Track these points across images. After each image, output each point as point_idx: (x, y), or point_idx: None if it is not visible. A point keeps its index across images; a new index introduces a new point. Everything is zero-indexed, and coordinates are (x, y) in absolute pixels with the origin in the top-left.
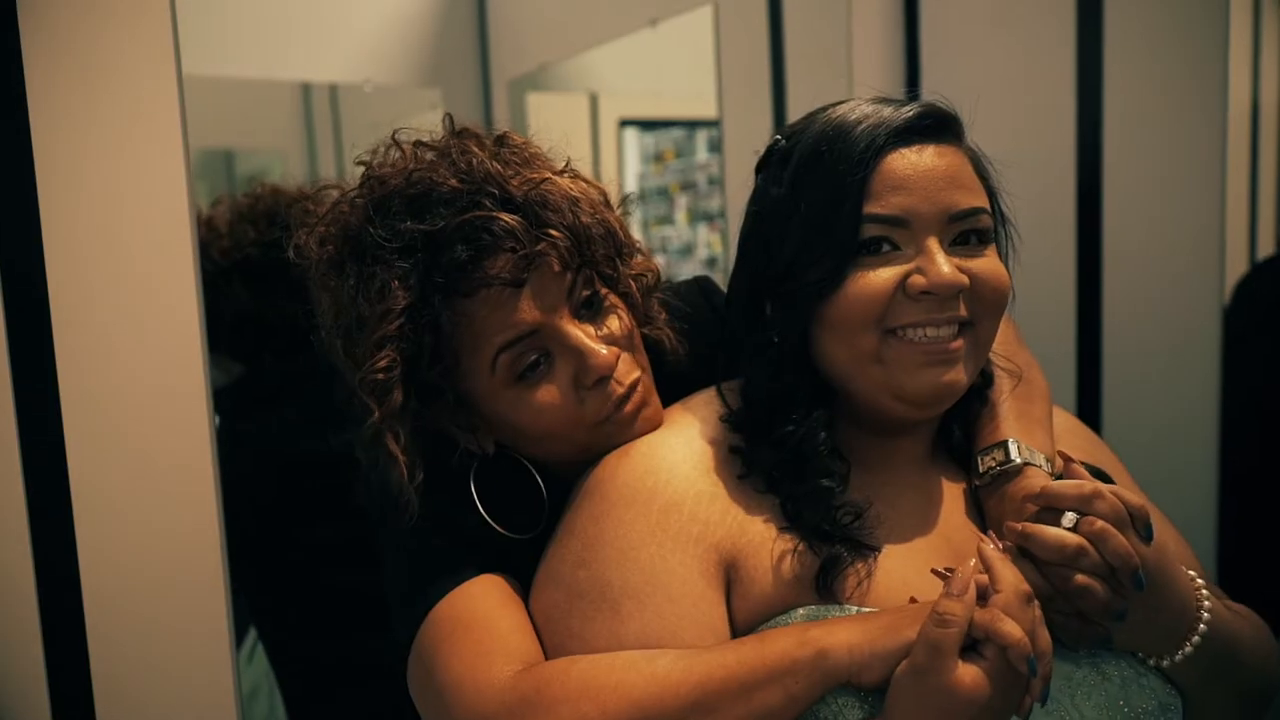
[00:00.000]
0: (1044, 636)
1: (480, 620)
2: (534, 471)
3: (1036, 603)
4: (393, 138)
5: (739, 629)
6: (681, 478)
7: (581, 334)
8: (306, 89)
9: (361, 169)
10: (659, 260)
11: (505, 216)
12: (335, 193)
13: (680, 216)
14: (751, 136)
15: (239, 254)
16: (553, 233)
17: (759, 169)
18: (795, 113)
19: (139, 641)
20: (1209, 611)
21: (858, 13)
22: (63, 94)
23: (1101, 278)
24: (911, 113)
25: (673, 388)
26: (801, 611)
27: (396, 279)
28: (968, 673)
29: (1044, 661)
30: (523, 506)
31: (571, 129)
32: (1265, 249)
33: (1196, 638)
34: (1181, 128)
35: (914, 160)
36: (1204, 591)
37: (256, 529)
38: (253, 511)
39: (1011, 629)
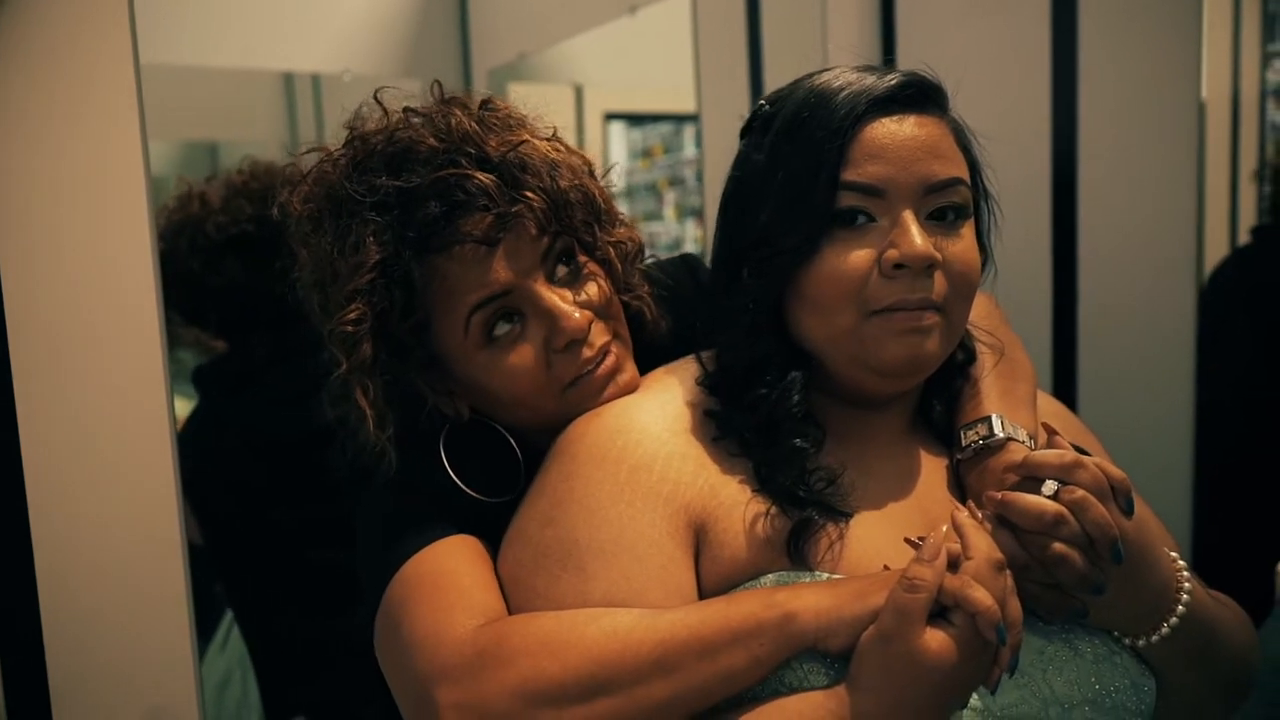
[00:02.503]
0: (1015, 606)
1: (445, 577)
2: (509, 438)
3: (1009, 572)
4: (375, 96)
5: (707, 592)
6: (653, 438)
7: (555, 297)
8: (289, 80)
9: (288, 186)
10: (650, 255)
11: (480, 175)
12: (321, 154)
13: (669, 212)
14: (730, 129)
15: (235, 229)
16: (529, 194)
17: (743, 134)
18: None
19: (97, 638)
20: (1189, 594)
21: (833, 1)
22: (16, 84)
23: (1077, 262)
24: (894, 81)
25: (654, 360)
26: (771, 576)
27: (371, 234)
28: (934, 639)
29: (1013, 631)
30: (499, 472)
31: (556, 122)
32: (1247, 235)
33: (1175, 619)
34: (1155, 112)
35: (894, 129)
36: (1185, 573)
37: (236, 508)
38: (232, 490)
39: (981, 596)
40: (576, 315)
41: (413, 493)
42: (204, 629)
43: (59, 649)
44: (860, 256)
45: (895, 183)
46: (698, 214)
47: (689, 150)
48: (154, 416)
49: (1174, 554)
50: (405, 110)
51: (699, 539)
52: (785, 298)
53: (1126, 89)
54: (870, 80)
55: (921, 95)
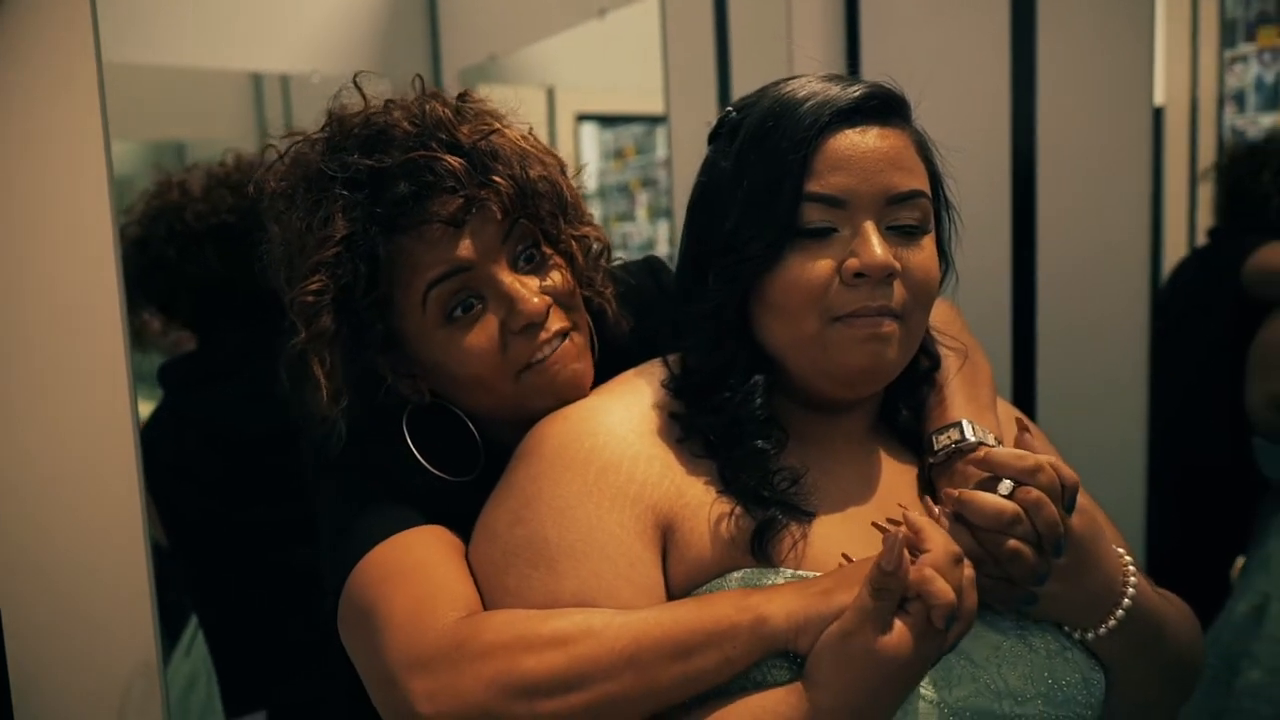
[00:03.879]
0: (971, 596)
1: (422, 566)
2: (468, 422)
3: (967, 562)
4: (354, 81)
5: (675, 591)
6: (619, 440)
7: (515, 281)
8: (258, 80)
9: (263, 168)
10: (620, 255)
11: (450, 158)
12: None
13: (641, 213)
14: (698, 131)
15: (215, 219)
16: (497, 180)
17: (711, 140)
18: None
19: (60, 638)
20: (1134, 588)
21: (798, 4)
22: None
23: (1035, 266)
24: (858, 93)
25: (615, 359)
26: (737, 575)
27: (340, 209)
28: (894, 631)
29: (964, 620)
30: (458, 456)
31: (528, 122)
32: (1204, 237)
33: (1121, 612)
34: (1111, 116)
35: (856, 141)
36: (1131, 569)
37: (200, 507)
38: (196, 490)
39: (941, 588)
40: (534, 300)
41: (376, 476)
42: (170, 633)
43: (20, 650)
44: (822, 265)
45: (857, 194)
46: (670, 215)
47: (661, 151)
48: (117, 415)
49: (1121, 550)
50: (386, 102)
51: (665, 538)
52: (749, 303)
53: (1083, 94)
54: (834, 91)
55: (884, 107)
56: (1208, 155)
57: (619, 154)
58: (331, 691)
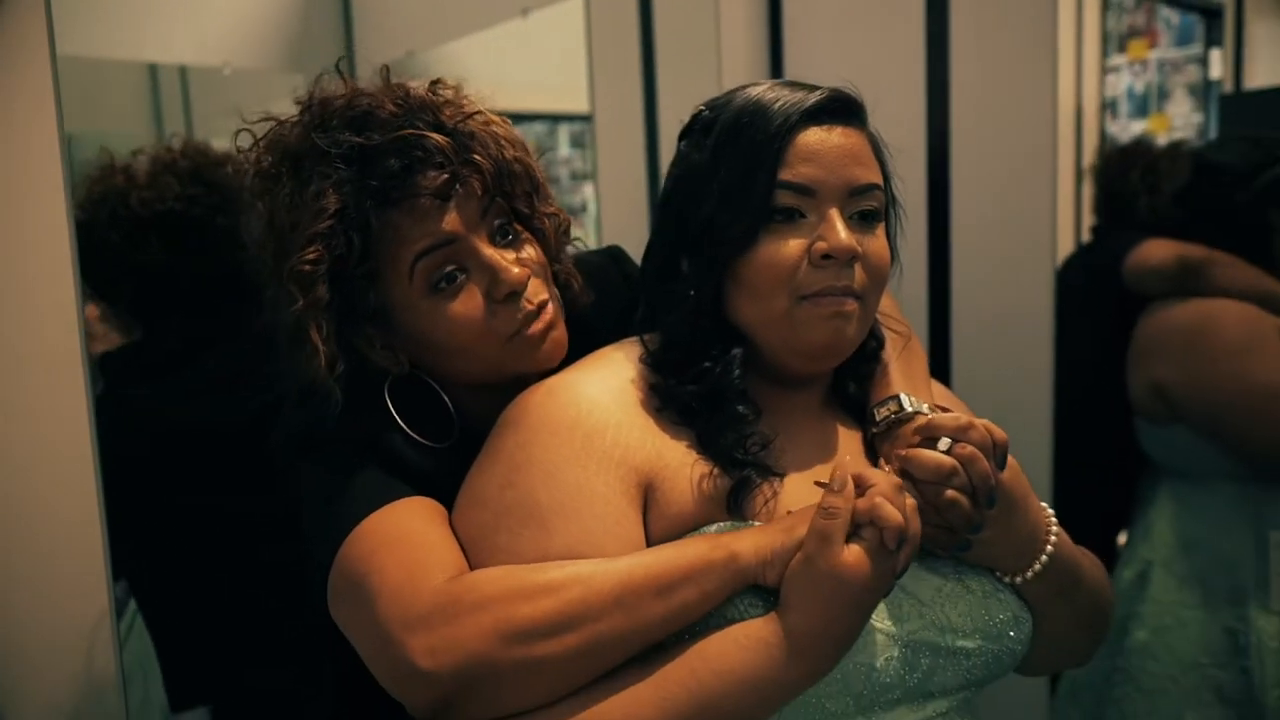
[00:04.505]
0: (915, 521)
1: (411, 535)
2: (442, 393)
3: (908, 493)
4: (335, 66)
5: (655, 544)
6: (602, 408)
7: (495, 253)
8: (153, 70)
9: (241, 151)
10: None
11: (436, 136)
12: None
13: None
14: (623, 130)
15: (161, 206)
16: (477, 158)
17: (682, 136)
18: (666, 106)
19: (13, 625)
20: (1056, 537)
21: (725, 7)
22: None
23: (950, 256)
24: (823, 96)
25: (581, 332)
26: (713, 527)
27: (331, 185)
28: (851, 553)
29: (911, 541)
30: (433, 425)
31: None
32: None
33: (1045, 558)
34: (1017, 119)
35: (823, 137)
36: (1053, 521)
37: (145, 499)
38: (141, 481)
39: (891, 511)
40: (515, 270)
41: (357, 449)
42: None
43: None
44: (793, 247)
45: (824, 184)
46: (573, 213)
47: (563, 150)
48: (72, 405)
49: (1045, 505)
50: (356, 91)
51: (647, 498)
52: (723, 284)
53: (992, 99)
54: (802, 94)
55: (846, 109)
56: (1092, 157)
57: (546, 150)
58: (280, 683)
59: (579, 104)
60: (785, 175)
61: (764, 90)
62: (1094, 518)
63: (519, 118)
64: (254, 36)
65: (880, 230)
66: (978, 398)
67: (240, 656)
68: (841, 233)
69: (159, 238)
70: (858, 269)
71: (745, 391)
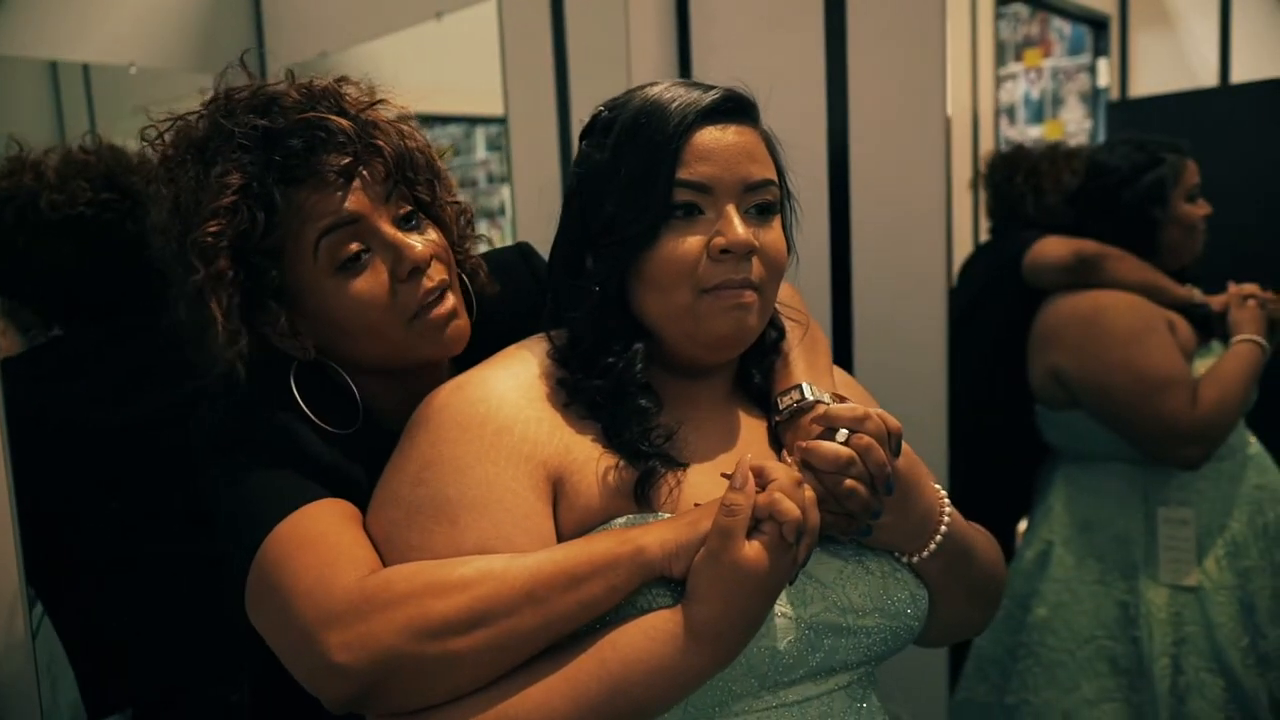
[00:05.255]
0: (814, 514)
1: (324, 536)
2: (348, 380)
3: (808, 486)
4: (240, 60)
5: (565, 538)
6: (511, 404)
7: (398, 232)
8: (53, 68)
9: (148, 148)
10: None
11: (340, 120)
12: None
13: None
14: (537, 132)
15: (71, 210)
16: (380, 143)
17: (583, 136)
18: (578, 109)
19: None
20: (949, 517)
21: (634, 14)
22: None
23: (850, 255)
24: (718, 96)
25: (487, 323)
26: (621, 520)
27: (235, 165)
28: (751, 548)
29: (810, 534)
30: (338, 413)
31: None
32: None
33: (939, 537)
34: (911, 124)
35: (718, 136)
36: (946, 502)
37: (57, 502)
38: (51, 484)
39: (789, 507)
40: (418, 247)
41: (267, 450)
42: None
43: None
44: (692, 243)
45: (720, 181)
46: (489, 215)
47: (480, 152)
48: None
49: (938, 487)
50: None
51: (556, 491)
52: (627, 280)
53: (886, 105)
54: (697, 94)
55: (739, 108)
56: (982, 165)
57: (449, 147)
58: (201, 683)
59: (495, 107)
60: (683, 174)
61: (661, 90)
62: (997, 503)
63: (436, 119)
64: (161, 35)
65: (776, 223)
66: (878, 388)
67: (158, 659)
68: (739, 228)
69: (68, 242)
70: (755, 261)
71: (648, 385)
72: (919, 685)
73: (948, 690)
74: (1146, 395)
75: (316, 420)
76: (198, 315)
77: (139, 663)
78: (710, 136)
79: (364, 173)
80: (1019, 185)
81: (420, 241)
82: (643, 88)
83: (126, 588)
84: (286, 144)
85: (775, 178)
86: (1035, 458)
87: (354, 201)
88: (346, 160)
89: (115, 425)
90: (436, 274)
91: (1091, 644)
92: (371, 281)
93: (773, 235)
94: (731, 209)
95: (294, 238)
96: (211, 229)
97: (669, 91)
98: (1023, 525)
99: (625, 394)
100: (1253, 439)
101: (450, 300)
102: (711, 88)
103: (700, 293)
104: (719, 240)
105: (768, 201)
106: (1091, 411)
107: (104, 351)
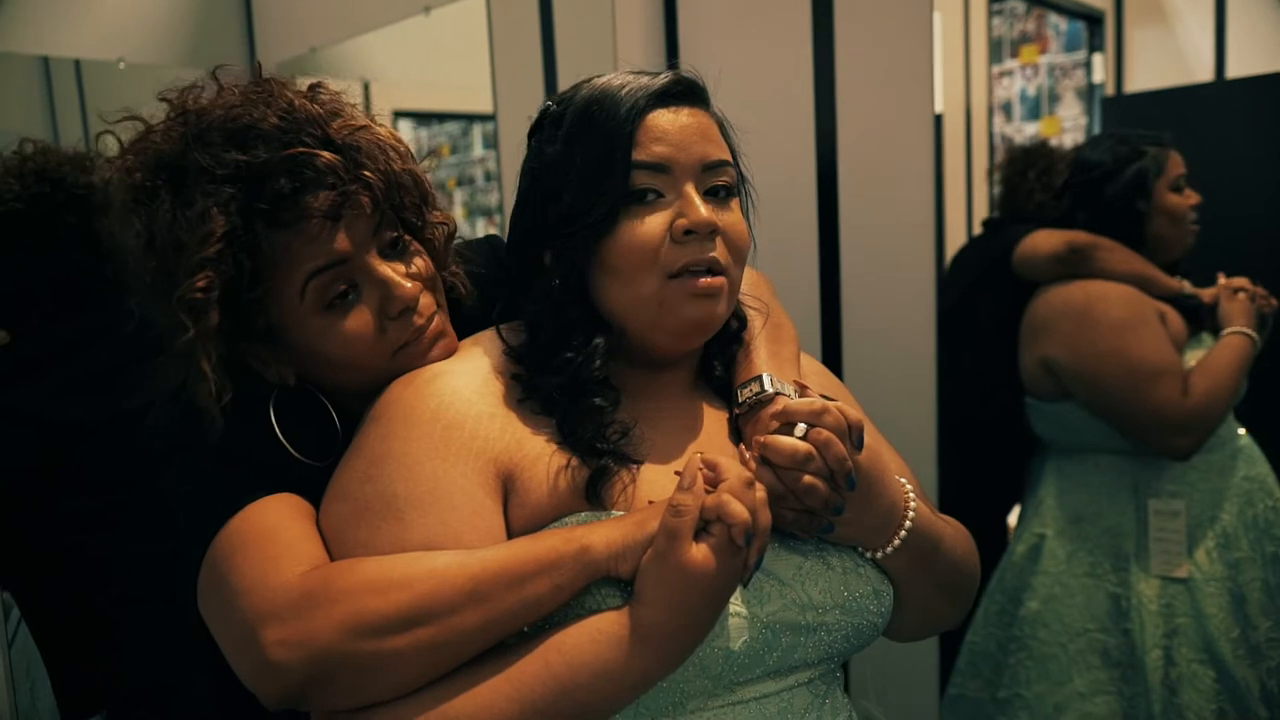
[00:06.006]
0: (765, 515)
1: (270, 530)
2: (328, 405)
3: (759, 486)
4: (213, 74)
5: (516, 534)
6: (463, 400)
7: (387, 268)
8: (45, 64)
9: (109, 140)
10: None
11: (326, 154)
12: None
13: (458, 212)
14: (525, 128)
15: (2, 208)
16: (367, 174)
17: (532, 134)
18: None
19: None
20: (914, 511)
21: (621, 10)
22: None
23: (838, 248)
24: (667, 79)
25: (464, 330)
26: (573, 518)
27: (216, 205)
28: (699, 551)
29: (761, 535)
30: (316, 438)
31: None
32: (980, 227)
33: (904, 532)
34: (899, 120)
35: (671, 118)
36: (911, 496)
37: (23, 502)
38: (17, 484)
39: (737, 509)
40: (408, 285)
41: (235, 458)
42: None
43: None
44: (653, 224)
45: (677, 162)
46: (487, 213)
47: (477, 150)
48: None
49: (904, 480)
50: (242, 94)
51: (507, 488)
52: (589, 271)
53: (875, 101)
54: (646, 80)
55: (690, 91)
56: (981, 157)
57: (434, 153)
58: (175, 681)
59: (490, 104)
60: (639, 156)
61: (609, 79)
62: (987, 496)
63: (433, 117)
64: (151, 31)
65: (735, 205)
66: (867, 386)
67: (130, 658)
68: (700, 207)
69: (3, 240)
70: (719, 243)
71: (606, 380)
72: (910, 681)
73: (939, 686)
74: (1138, 385)
75: (294, 452)
76: (186, 369)
77: (111, 664)
78: (664, 119)
79: (350, 208)
80: (1030, 180)
81: (409, 280)
82: (589, 80)
83: (93, 586)
84: (273, 185)
85: (731, 160)
86: (1025, 450)
87: (341, 241)
88: (332, 199)
89: (78, 421)
90: (426, 309)
91: (1083, 637)
92: (358, 320)
93: (733, 217)
94: (691, 189)
95: (281, 279)
96: (200, 284)
97: (618, 79)
98: (1013, 518)
99: (582, 390)
100: (1242, 431)
101: (437, 322)
102: (661, 72)
103: (667, 278)
104: (681, 221)
105: (725, 184)
106: (1083, 402)
107: (65, 351)
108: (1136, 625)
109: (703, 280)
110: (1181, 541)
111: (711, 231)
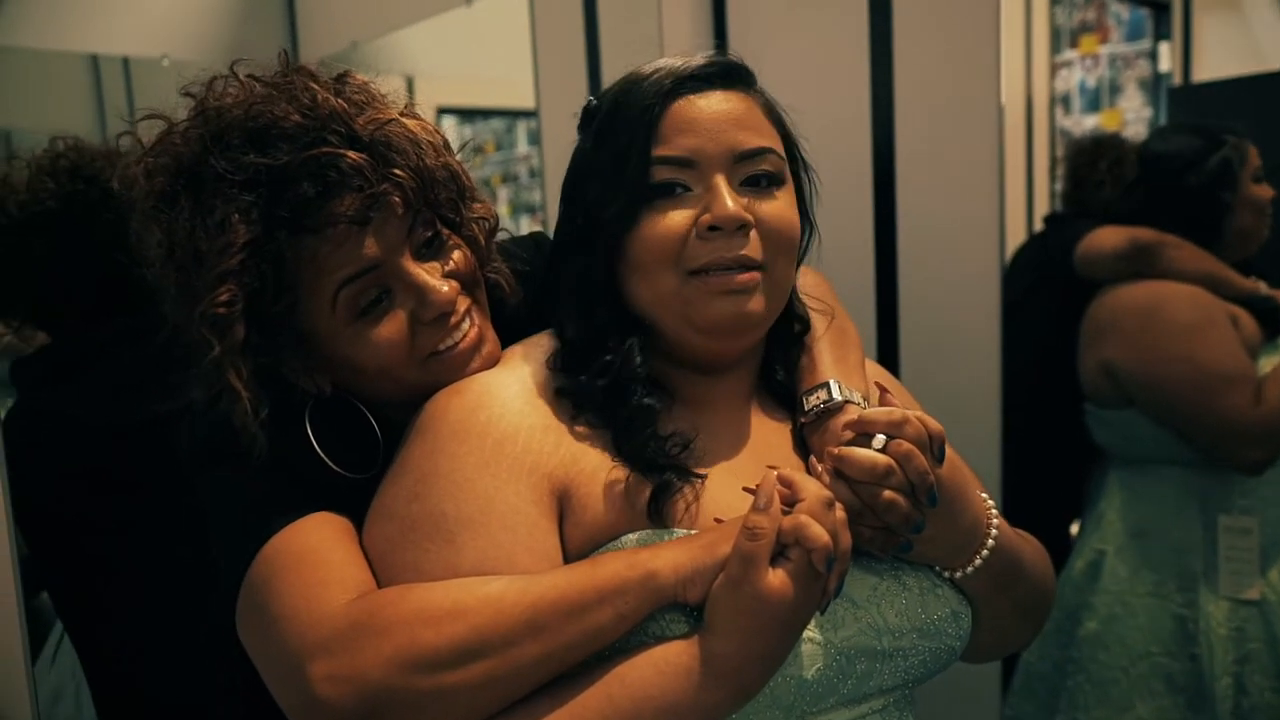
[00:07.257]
0: (846, 538)
1: (313, 553)
2: (368, 414)
3: (839, 506)
4: (231, 68)
5: (572, 555)
6: (515, 412)
7: (422, 272)
8: (95, 62)
9: (128, 141)
10: None
11: (352, 154)
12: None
13: (503, 209)
14: (570, 125)
15: (37, 206)
16: (397, 173)
17: (579, 130)
18: None
19: None
20: (997, 529)
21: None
22: None
23: (896, 244)
24: (699, 61)
25: (510, 332)
26: (633, 536)
27: (237, 212)
28: (776, 577)
29: (842, 560)
30: (357, 449)
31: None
32: (1041, 223)
33: (986, 552)
34: (962, 112)
35: (700, 104)
36: (994, 512)
37: (60, 508)
38: (59, 488)
39: (817, 533)
40: (444, 289)
41: (273, 471)
42: (34, 642)
43: None
44: (677, 220)
45: (705, 153)
46: (532, 210)
47: (522, 147)
48: None
49: (984, 495)
50: (249, 77)
51: (562, 506)
52: (615, 269)
53: (936, 91)
54: (675, 64)
55: (725, 73)
56: (1042, 151)
57: (479, 149)
58: (213, 697)
59: (533, 99)
60: (661, 150)
61: (643, 66)
62: (1047, 507)
63: (478, 114)
64: (195, 27)
65: (782, 195)
66: (926, 391)
67: (172, 670)
68: (727, 201)
69: (39, 238)
70: (754, 237)
71: (652, 378)
72: (971, 704)
73: (1000, 709)
74: (1207, 392)
75: (332, 465)
76: (217, 389)
77: (150, 673)
78: (691, 105)
79: (381, 210)
80: (1101, 172)
81: (446, 281)
82: (634, 69)
83: (134, 593)
84: (295, 190)
85: (777, 145)
86: (1085, 460)
87: (371, 246)
88: (361, 202)
89: (120, 424)
90: (462, 306)
91: (1146, 660)
92: (393, 326)
93: (774, 206)
94: (720, 181)
95: (309, 289)
96: (222, 298)
97: (650, 66)
98: (1075, 529)
99: (628, 390)
100: None
101: (474, 331)
102: (698, 55)
103: (687, 275)
104: (706, 217)
105: (767, 172)
106: (1146, 409)
107: (101, 352)
108: (1205, 650)
109: (729, 277)
110: (1254, 561)
111: (740, 226)
